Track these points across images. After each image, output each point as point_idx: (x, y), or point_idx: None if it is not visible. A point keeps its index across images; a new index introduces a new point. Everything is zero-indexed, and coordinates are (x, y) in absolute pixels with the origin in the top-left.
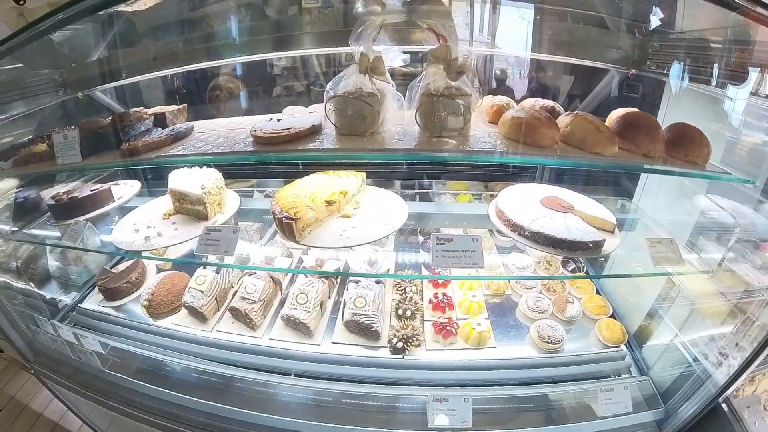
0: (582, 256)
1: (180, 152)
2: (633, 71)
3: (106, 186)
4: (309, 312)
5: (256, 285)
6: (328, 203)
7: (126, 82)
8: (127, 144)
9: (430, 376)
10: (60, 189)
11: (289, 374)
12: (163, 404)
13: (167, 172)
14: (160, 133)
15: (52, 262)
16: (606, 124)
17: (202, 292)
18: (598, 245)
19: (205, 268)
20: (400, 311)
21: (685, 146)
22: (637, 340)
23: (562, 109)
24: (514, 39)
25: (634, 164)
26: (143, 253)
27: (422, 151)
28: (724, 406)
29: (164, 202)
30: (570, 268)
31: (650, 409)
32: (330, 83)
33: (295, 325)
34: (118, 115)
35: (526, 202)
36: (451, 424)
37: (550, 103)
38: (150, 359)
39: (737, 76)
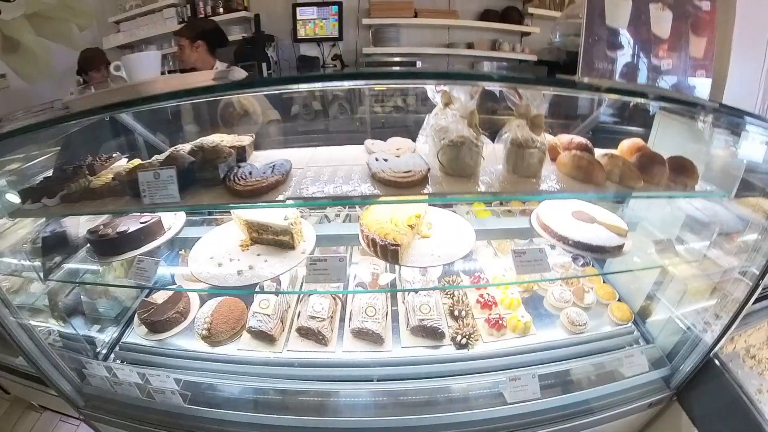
0: (610, 256)
1: (303, 193)
2: None
3: (156, 217)
4: (379, 322)
5: (322, 304)
6: (410, 227)
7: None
8: (235, 184)
9: (493, 363)
10: (96, 222)
11: (371, 380)
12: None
13: None
14: (263, 171)
15: (82, 298)
16: (618, 152)
17: (268, 315)
18: (621, 247)
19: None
20: (456, 312)
21: (682, 174)
22: (641, 317)
23: (590, 144)
24: None
25: (654, 193)
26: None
27: (530, 192)
28: (715, 360)
29: (229, 232)
30: (580, 263)
31: (659, 368)
32: (430, 128)
33: (368, 336)
34: (210, 149)
35: (561, 217)
36: (525, 397)
37: (582, 140)
38: (220, 387)
39: None
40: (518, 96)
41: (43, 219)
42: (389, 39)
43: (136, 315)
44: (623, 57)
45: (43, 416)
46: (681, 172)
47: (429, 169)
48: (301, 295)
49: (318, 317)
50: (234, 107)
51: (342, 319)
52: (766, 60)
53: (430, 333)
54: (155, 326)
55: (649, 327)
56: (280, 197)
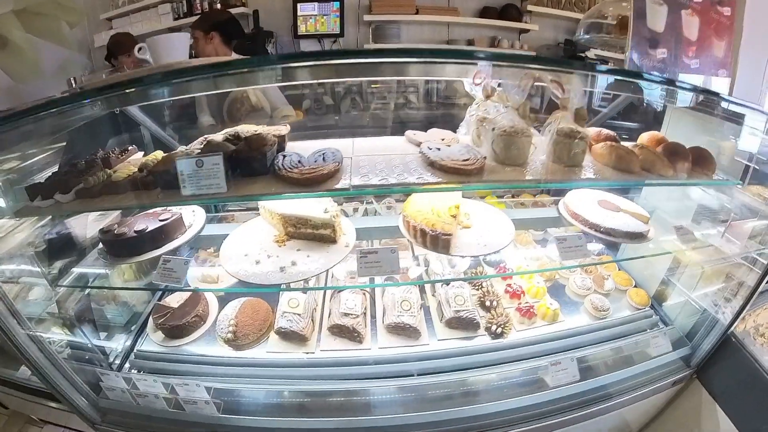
0: (637, 242)
1: (359, 182)
2: None
3: (177, 214)
4: (415, 316)
5: (354, 300)
6: (453, 217)
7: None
8: (288, 172)
9: (526, 351)
10: (108, 221)
11: (411, 375)
12: None
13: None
14: (314, 159)
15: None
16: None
17: (299, 315)
18: (648, 234)
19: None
20: (487, 303)
21: (702, 164)
22: (657, 301)
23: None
24: None
25: (679, 181)
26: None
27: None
28: (731, 338)
29: (257, 228)
30: (596, 252)
31: (680, 348)
32: (473, 120)
33: (404, 331)
34: (254, 137)
35: (589, 206)
36: (566, 380)
37: (610, 132)
38: (251, 392)
39: None
40: (561, 90)
41: (45, 221)
42: (390, 35)
43: (150, 320)
44: (661, 55)
45: (44, 431)
46: (700, 162)
47: (485, 157)
48: (330, 292)
49: (352, 314)
50: (243, 103)
51: (373, 315)
52: None
53: (465, 324)
54: (173, 331)
55: (666, 310)
56: (341, 185)
